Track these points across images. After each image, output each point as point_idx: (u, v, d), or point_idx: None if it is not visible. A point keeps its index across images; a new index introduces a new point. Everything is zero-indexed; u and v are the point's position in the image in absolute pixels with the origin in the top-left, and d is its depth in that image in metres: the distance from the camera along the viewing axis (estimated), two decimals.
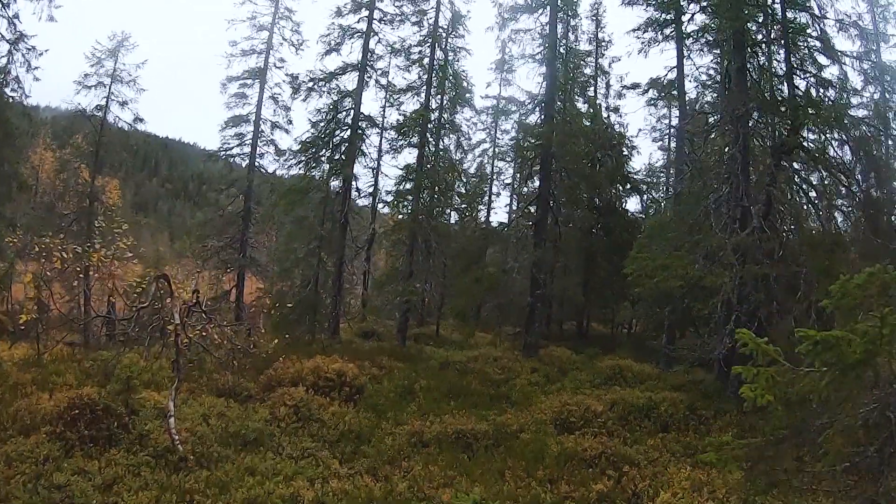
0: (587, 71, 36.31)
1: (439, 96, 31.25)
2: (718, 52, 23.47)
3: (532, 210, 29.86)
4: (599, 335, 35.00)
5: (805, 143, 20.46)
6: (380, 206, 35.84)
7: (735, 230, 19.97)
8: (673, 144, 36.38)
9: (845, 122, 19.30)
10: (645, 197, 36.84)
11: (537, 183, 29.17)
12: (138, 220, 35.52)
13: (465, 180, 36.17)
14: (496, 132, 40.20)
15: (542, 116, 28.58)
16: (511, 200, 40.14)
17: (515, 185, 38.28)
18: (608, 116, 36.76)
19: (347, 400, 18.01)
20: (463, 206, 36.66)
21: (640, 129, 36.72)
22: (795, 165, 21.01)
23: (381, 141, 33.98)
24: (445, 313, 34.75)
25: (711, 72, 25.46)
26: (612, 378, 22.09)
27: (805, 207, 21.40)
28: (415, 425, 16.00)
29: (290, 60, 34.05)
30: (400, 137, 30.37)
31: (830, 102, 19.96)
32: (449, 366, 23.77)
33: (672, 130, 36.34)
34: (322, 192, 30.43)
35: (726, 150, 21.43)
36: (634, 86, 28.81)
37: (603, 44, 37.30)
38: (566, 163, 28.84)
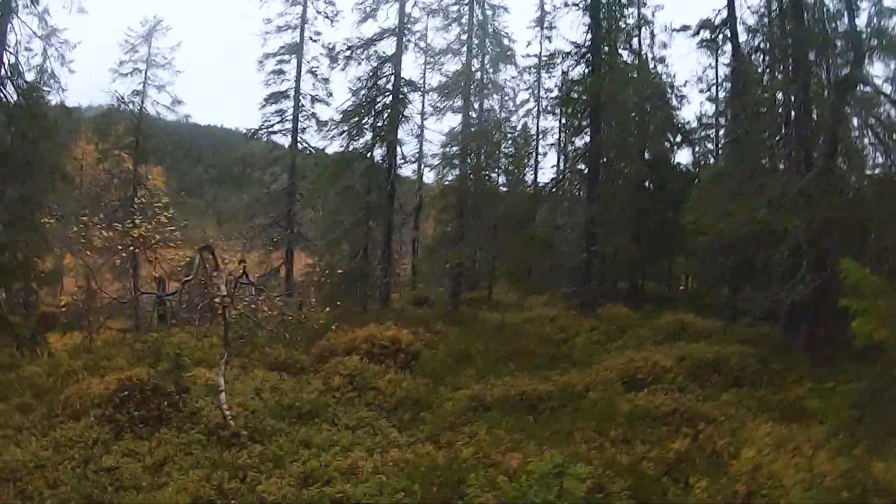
0: (630, 21, 34.40)
1: (481, 56, 29.91)
2: None
3: (582, 166, 28.57)
4: (654, 293, 33.57)
5: (871, 79, 18.75)
6: (426, 170, 34.83)
7: (800, 173, 18.56)
8: (722, 94, 34.52)
9: None
10: (697, 149, 34.98)
11: (587, 138, 27.81)
12: (183, 201, 35.05)
13: (510, 141, 34.90)
14: (539, 90, 38.67)
15: (589, 67, 27.19)
16: (558, 160, 38.45)
17: (562, 144, 36.80)
18: (654, 67, 34.86)
19: (403, 367, 17.37)
20: (510, 167, 35.43)
21: (686, 81, 34.08)
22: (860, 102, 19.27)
23: (423, 105, 32.89)
24: (497, 276, 33.76)
25: (763, 11, 23.62)
26: (674, 334, 20.92)
27: (872, 147, 19.74)
28: (474, 389, 15.24)
29: (325, 32, 32.93)
30: (443, 99, 29.24)
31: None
32: (505, 328, 22.82)
33: (720, 80, 34.39)
34: (367, 161, 29.53)
35: (784, 90, 19.86)
36: (684, 28, 27.12)
37: None
38: (616, 115, 27.42)
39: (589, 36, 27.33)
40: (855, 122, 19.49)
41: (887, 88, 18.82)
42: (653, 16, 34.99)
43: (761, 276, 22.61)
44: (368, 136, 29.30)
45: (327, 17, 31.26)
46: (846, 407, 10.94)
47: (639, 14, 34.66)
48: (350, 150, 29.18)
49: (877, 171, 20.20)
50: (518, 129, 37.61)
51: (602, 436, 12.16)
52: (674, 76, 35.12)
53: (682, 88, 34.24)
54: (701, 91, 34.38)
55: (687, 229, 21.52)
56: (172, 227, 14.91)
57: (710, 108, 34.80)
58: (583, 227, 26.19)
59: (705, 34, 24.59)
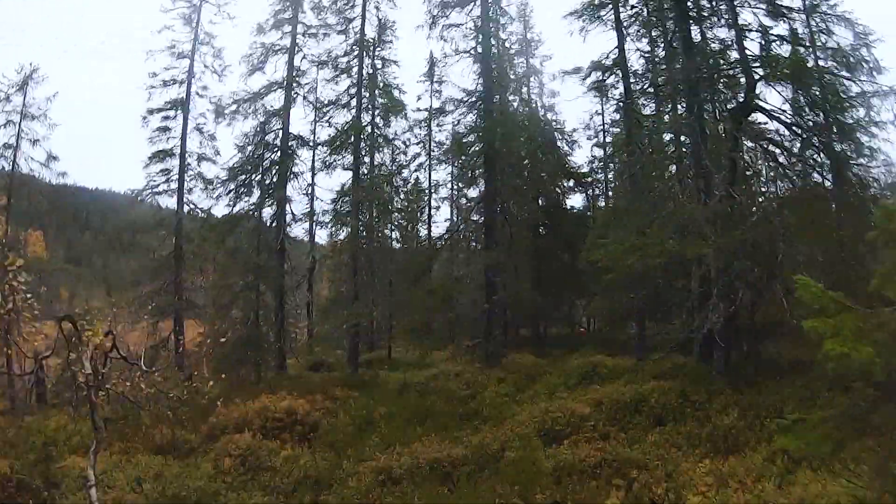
0: (519, 71, 34.45)
1: (371, 109, 28.81)
2: (660, 30, 21.92)
3: (476, 216, 27.64)
4: (558, 337, 32.89)
5: (764, 104, 18.88)
6: (317, 228, 33.09)
7: (701, 201, 18.23)
8: (609, 139, 35.03)
9: (808, 73, 17.80)
10: (589, 192, 35.09)
11: (481, 187, 26.93)
12: (63, 268, 31.78)
13: (402, 196, 33.84)
14: (431, 144, 38.06)
15: (481, 114, 26.43)
16: (452, 213, 37.69)
17: (455, 195, 36.07)
18: (544, 114, 34.99)
19: (301, 440, 15.66)
20: (402, 222, 34.27)
21: (574, 128, 34.40)
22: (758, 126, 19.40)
23: (313, 161, 31.41)
24: (396, 335, 32.11)
25: (649, 51, 23.83)
26: (586, 376, 20.05)
27: (770, 168, 19.79)
28: (380, 460, 13.67)
29: (213, 88, 31.21)
30: (333, 153, 27.77)
31: (784, 58, 18.47)
32: (408, 388, 21.27)
33: (607, 125, 34.92)
34: (255, 220, 27.80)
35: (678, 122, 19.79)
36: (576, 70, 26.85)
37: (532, 44, 35.55)
38: (510, 161, 26.78)
39: (481, 81, 26.64)
40: (750, 145, 19.53)
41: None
42: (541, 66, 35.35)
43: (669, 308, 22.19)
44: (256, 194, 27.77)
45: (215, 71, 29.57)
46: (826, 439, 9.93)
47: (527, 64, 34.88)
48: (237, 209, 27.54)
49: (773, 191, 20.24)
50: (410, 182, 36.66)
51: (527, 500, 10.69)
52: (563, 123, 35.41)
53: (572, 134, 34.53)
54: (589, 138, 34.94)
55: (587, 270, 20.86)
56: (29, 296, 12.64)
57: (598, 153, 35.31)
58: (482, 277, 25.02)
59: (597, 75, 24.26)
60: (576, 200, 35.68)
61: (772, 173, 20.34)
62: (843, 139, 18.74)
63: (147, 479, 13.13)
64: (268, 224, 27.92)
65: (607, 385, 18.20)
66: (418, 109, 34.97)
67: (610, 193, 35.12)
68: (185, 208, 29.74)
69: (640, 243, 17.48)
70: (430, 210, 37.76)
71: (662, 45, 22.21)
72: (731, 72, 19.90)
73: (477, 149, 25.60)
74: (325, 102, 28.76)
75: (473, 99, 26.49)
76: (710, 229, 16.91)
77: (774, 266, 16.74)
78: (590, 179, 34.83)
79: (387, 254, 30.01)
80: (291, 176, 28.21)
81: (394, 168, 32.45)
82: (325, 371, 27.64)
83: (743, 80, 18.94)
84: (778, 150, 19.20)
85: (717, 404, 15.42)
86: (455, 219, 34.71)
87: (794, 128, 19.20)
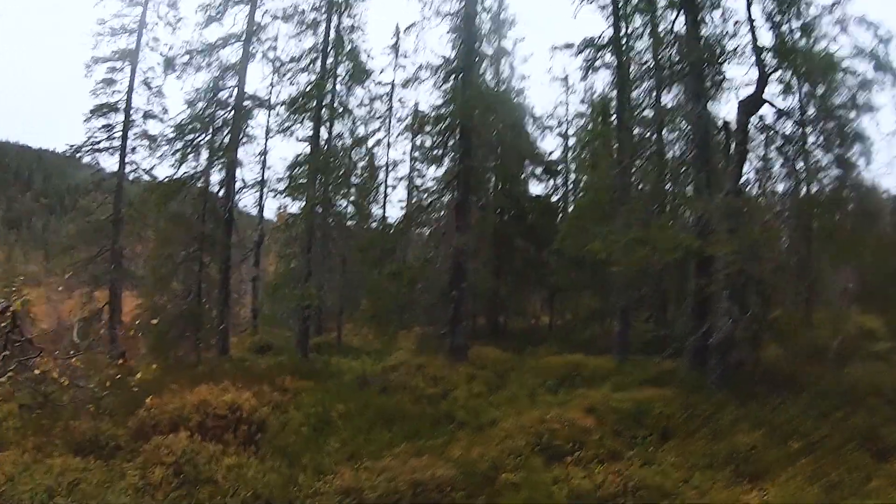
0: (489, 51, 31.73)
1: (334, 77, 25.62)
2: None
3: (440, 196, 24.93)
4: (516, 330, 30.59)
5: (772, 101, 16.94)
6: (266, 199, 29.91)
7: (706, 195, 16.10)
8: (571, 130, 33.42)
9: (833, 69, 15.79)
10: (558, 180, 32.87)
11: (446, 164, 24.14)
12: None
13: (360, 171, 30.89)
14: (391, 121, 35.10)
15: (458, 84, 23.32)
16: (409, 195, 34.83)
17: (414, 176, 33.29)
18: (514, 98, 32.40)
19: (246, 443, 12.77)
20: (359, 199, 31.40)
21: (544, 114, 32.21)
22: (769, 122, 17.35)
23: (267, 126, 28.25)
24: (346, 318, 29.22)
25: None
26: (567, 378, 17.69)
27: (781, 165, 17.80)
28: (345, 476, 10.92)
29: (165, 41, 27.16)
30: (293, 116, 24.58)
31: (802, 51, 16.45)
32: (368, 383, 18.41)
33: (568, 118, 33.25)
34: (201, 185, 24.69)
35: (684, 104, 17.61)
36: (568, 45, 24.43)
37: (505, 24, 32.73)
38: (486, 137, 24.09)
39: (462, 47, 23.40)
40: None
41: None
42: (514, 48, 32.71)
43: (663, 306, 20.18)
44: (205, 156, 24.67)
45: (169, 23, 25.97)
46: None
47: (500, 44, 32.21)
48: (183, 171, 24.33)
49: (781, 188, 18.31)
50: (366, 158, 33.67)
51: None
52: (532, 109, 33.04)
53: (542, 120, 32.26)
54: (551, 128, 32.80)
55: (550, 262, 18.43)
56: None
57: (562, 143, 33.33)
58: (451, 261, 22.37)
59: (589, 54, 21.74)
60: (539, 189, 33.35)
61: (783, 171, 18.26)
62: (854, 143, 16.87)
63: (60, 489, 10.11)
64: (216, 191, 24.87)
65: (593, 390, 15.97)
66: (380, 83, 32.29)
67: (571, 184, 33.27)
68: (128, 169, 26.33)
69: (642, 237, 15.22)
70: (386, 189, 34.98)
71: (663, 29, 19.91)
72: (739, 60, 17.72)
73: (450, 122, 22.63)
74: (287, 60, 25.52)
75: (452, 67, 23.50)
76: (724, 226, 14.78)
77: (789, 270, 14.87)
78: (559, 168, 32.66)
79: (343, 230, 27.16)
80: (245, 139, 25.12)
81: (351, 141, 29.72)
82: (271, 354, 24.84)
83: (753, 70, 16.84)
84: (788, 148, 17.23)
85: (726, 418, 13.39)
86: (413, 199, 31.98)
87: (803, 127, 17.26)
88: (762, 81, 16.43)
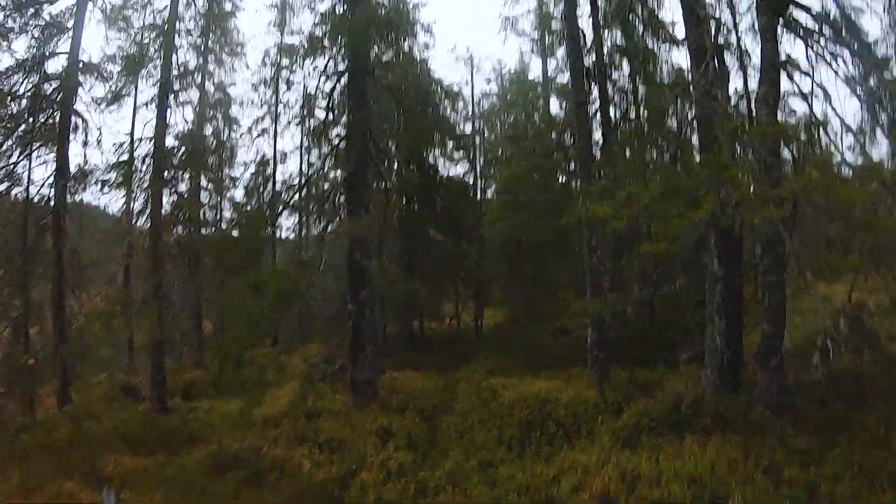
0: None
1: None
2: None
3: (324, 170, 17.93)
4: (439, 337, 23.63)
5: None
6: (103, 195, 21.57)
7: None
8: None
9: None
10: (471, 157, 26.30)
11: (338, 130, 16.83)
12: None
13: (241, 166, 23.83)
14: (277, 108, 27.66)
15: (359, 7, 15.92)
16: (300, 174, 27.27)
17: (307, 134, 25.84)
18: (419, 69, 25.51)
19: None
20: (242, 199, 24.71)
21: (453, 83, 25.92)
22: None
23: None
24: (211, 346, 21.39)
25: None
26: (533, 424, 10.98)
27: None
28: None
29: None
30: (125, 75, 16.75)
31: None
32: (232, 463, 10.83)
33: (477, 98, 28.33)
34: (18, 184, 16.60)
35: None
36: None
37: None
38: (384, 87, 16.77)
39: None
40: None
41: None
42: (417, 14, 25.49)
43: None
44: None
45: None
46: None
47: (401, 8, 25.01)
48: None
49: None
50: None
51: None
52: (440, 82, 26.18)
53: (453, 91, 25.48)
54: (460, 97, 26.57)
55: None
56: None
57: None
58: (340, 259, 15.15)
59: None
60: (453, 171, 26.62)
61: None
62: None
63: None
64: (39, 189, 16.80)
65: (584, 450, 9.38)
66: (263, 65, 26.23)
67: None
68: None
69: (678, 186, 8.78)
70: (274, 185, 27.12)
71: None
72: None
73: (336, 52, 15.11)
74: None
75: None
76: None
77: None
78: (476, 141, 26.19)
79: (200, 240, 19.68)
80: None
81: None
82: (131, 402, 17.03)
83: None
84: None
85: (808, 463, 8.13)
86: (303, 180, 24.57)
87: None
88: None
